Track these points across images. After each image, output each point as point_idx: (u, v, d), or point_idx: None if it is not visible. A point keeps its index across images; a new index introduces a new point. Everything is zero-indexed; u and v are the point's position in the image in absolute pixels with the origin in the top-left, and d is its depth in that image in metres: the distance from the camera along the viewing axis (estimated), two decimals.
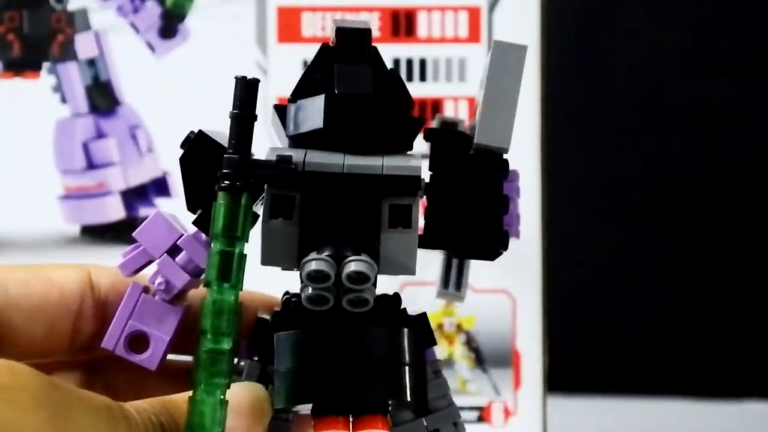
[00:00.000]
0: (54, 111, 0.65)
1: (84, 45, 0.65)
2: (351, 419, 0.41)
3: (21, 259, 0.63)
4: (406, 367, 0.42)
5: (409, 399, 0.41)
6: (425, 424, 0.43)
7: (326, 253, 0.40)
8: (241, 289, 0.40)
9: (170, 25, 0.65)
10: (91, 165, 0.65)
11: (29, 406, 0.34)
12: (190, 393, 0.40)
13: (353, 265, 0.40)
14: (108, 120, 0.65)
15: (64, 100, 0.65)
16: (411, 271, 0.42)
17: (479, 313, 0.63)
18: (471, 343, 0.63)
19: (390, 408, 0.42)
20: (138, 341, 0.41)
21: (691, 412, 0.93)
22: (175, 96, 0.64)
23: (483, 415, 0.62)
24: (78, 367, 0.44)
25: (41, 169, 0.64)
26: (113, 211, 0.65)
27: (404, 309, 0.43)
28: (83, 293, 0.44)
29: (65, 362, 0.43)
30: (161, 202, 0.65)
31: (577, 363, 0.97)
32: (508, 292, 0.63)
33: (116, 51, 0.65)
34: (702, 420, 0.91)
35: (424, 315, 0.43)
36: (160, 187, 0.65)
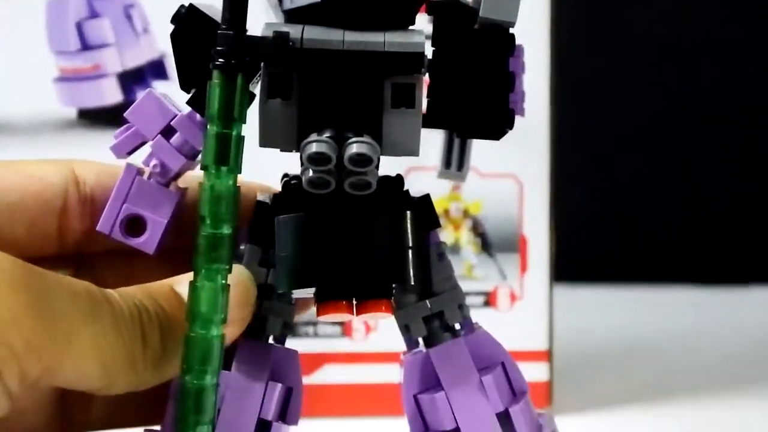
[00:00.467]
0: None
1: None
2: (354, 303, 0.41)
3: (17, 143, 0.62)
4: (410, 251, 0.41)
5: (412, 282, 0.41)
6: (429, 306, 0.43)
7: (327, 135, 0.39)
8: (240, 173, 0.39)
9: None
10: (86, 46, 0.63)
11: (5, 290, 0.34)
12: (175, 278, 0.39)
13: (355, 147, 0.39)
14: None
15: None
16: (415, 152, 0.41)
17: (486, 199, 0.62)
18: (477, 229, 0.62)
19: (394, 291, 0.41)
20: (134, 225, 0.40)
21: (698, 299, 0.93)
22: None
23: (489, 300, 0.62)
24: (65, 264, 0.43)
25: (34, 50, 0.63)
26: (110, 94, 0.63)
27: (407, 191, 0.42)
28: (67, 188, 0.42)
29: (51, 258, 0.42)
30: (159, 85, 0.63)
31: (583, 249, 0.97)
32: (515, 176, 0.62)
33: None
34: (709, 307, 0.91)
35: (427, 197, 0.42)
36: (157, 69, 0.64)
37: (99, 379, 0.36)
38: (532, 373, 0.58)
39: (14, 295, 0.34)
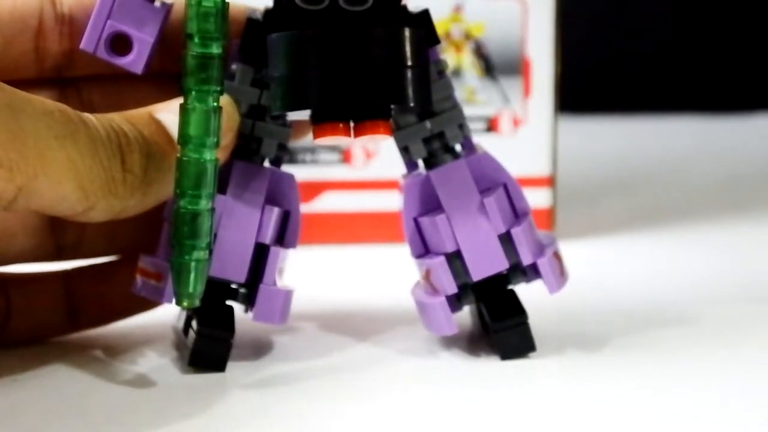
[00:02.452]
0: None
1: None
2: (352, 124, 0.40)
3: None
4: (409, 70, 0.39)
5: (411, 102, 0.39)
6: (429, 126, 0.42)
7: None
8: None
9: None
10: None
11: None
12: (154, 105, 0.38)
13: None
14: None
15: None
16: None
17: (488, 20, 0.60)
18: (480, 51, 0.60)
19: (392, 112, 0.40)
20: (120, 44, 0.39)
21: (700, 127, 0.93)
22: None
23: (491, 125, 0.60)
24: (49, 86, 0.42)
25: None
26: None
27: (405, 6, 0.40)
28: (42, 8, 0.40)
29: (33, 82, 0.41)
30: None
31: (587, 76, 0.96)
32: None
33: None
34: (711, 134, 0.91)
35: (426, 12, 0.41)
36: None
37: (78, 202, 0.35)
38: (535, 198, 0.57)
39: None
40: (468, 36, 0.60)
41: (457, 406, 0.37)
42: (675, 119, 0.95)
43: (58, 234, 0.43)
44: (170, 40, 0.40)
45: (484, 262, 0.41)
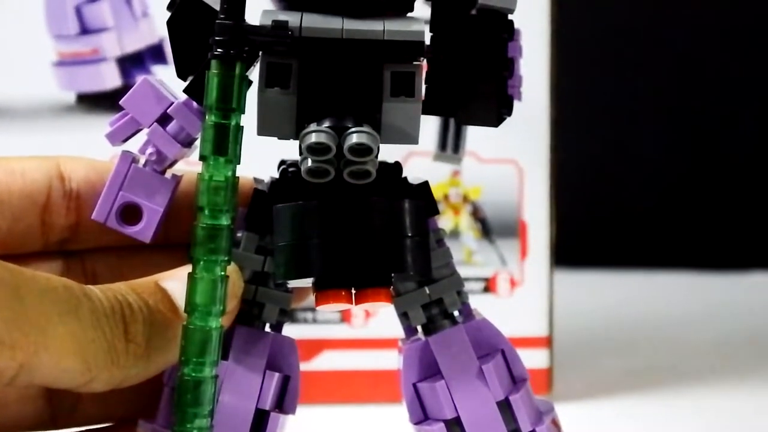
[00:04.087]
0: None
1: None
2: (353, 292, 0.41)
3: (16, 127, 0.62)
4: (408, 239, 0.41)
5: (411, 272, 0.40)
6: (428, 293, 0.43)
7: (327, 125, 0.39)
8: (239, 163, 0.38)
9: None
10: (85, 30, 0.63)
11: None
12: (160, 274, 0.39)
13: (355, 137, 0.38)
14: None
15: None
16: (414, 140, 0.40)
17: (485, 184, 0.62)
18: (477, 214, 0.62)
19: (392, 279, 0.41)
20: (129, 213, 0.40)
21: (697, 284, 0.93)
22: None
23: (489, 285, 0.61)
24: (54, 258, 0.42)
25: (33, 34, 0.62)
26: (109, 78, 0.63)
27: (405, 178, 0.42)
28: (50, 184, 0.42)
29: (37, 254, 0.42)
30: (158, 70, 0.63)
31: (583, 235, 0.97)
32: (515, 161, 0.61)
33: None
34: (709, 292, 0.91)
35: (426, 184, 0.42)
36: (156, 53, 0.63)
37: (81, 375, 0.35)
38: (533, 359, 0.58)
39: None
40: (466, 199, 0.62)
41: None
42: (671, 275, 0.96)
43: (53, 402, 0.42)
44: (177, 209, 0.41)
45: (484, 430, 0.41)
